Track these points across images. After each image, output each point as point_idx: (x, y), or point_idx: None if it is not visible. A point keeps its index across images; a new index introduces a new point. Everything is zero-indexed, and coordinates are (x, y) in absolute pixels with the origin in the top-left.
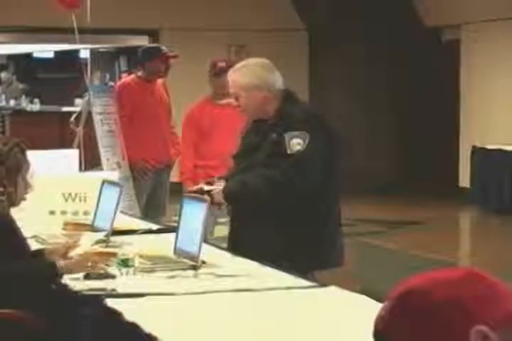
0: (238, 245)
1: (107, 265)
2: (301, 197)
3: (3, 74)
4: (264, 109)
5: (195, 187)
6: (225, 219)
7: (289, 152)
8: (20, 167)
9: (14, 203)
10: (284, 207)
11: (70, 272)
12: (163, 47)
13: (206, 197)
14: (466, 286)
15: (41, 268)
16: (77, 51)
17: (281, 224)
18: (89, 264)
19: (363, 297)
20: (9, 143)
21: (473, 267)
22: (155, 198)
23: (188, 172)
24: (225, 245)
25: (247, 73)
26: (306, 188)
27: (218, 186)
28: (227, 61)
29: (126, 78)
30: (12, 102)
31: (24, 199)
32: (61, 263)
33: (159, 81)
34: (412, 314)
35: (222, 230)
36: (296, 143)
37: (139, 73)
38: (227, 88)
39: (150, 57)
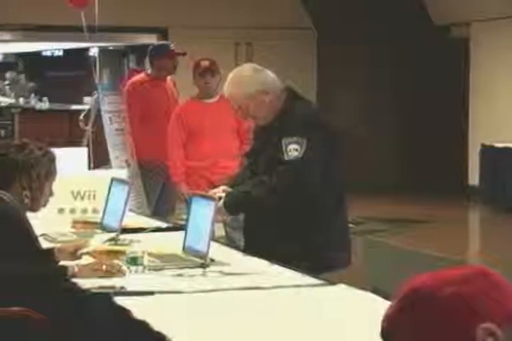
0: (251, 247)
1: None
2: (302, 201)
3: (9, 74)
4: (274, 110)
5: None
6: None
7: (286, 158)
8: (49, 174)
9: (36, 209)
10: (287, 210)
11: (84, 277)
12: (171, 45)
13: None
14: (472, 284)
15: (52, 270)
16: (86, 49)
17: (287, 227)
18: (104, 268)
19: (371, 295)
20: (43, 149)
21: (481, 265)
22: (166, 197)
23: (181, 174)
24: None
25: (247, 82)
26: (306, 193)
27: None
28: (211, 60)
29: (136, 77)
30: (21, 100)
31: (44, 206)
32: (75, 268)
33: (169, 78)
34: (418, 312)
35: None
36: (293, 149)
37: (149, 71)
38: (213, 87)
39: (158, 54)
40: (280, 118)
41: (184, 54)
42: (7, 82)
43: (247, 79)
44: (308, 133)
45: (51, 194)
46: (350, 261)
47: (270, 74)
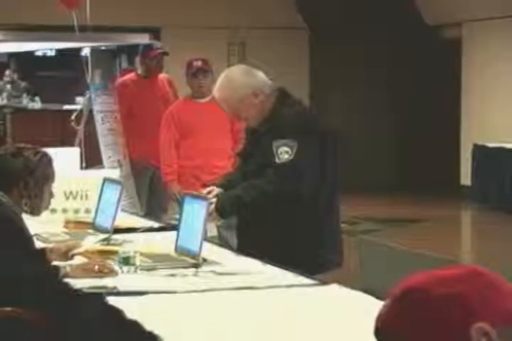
0: (244, 248)
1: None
2: (294, 202)
3: (8, 72)
4: (265, 111)
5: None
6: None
7: (277, 161)
8: (48, 178)
9: (38, 213)
10: (279, 211)
11: (76, 277)
12: (156, 44)
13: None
14: (466, 283)
15: (43, 270)
16: (78, 49)
17: (279, 228)
18: (96, 268)
19: (364, 295)
20: (38, 154)
21: (475, 265)
22: (156, 196)
23: (173, 173)
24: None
25: (237, 85)
26: (297, 195)
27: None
28: (203, 60)
29: (125, 76)
30: (13, 100)
31: (46, 209)
32: (67, 268)
33: (162, 78)
34: (411, 312)
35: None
36: (284, 152)
37: (139, 71)
38: (206, 87)
39: (143, 54)
40: (270, 120)
41: (166, 53)
42: (8, 79)
43: (237, 82)
44: (299, 135)
45: (51, 196)
46: (342, 262)
47: (260, 76)
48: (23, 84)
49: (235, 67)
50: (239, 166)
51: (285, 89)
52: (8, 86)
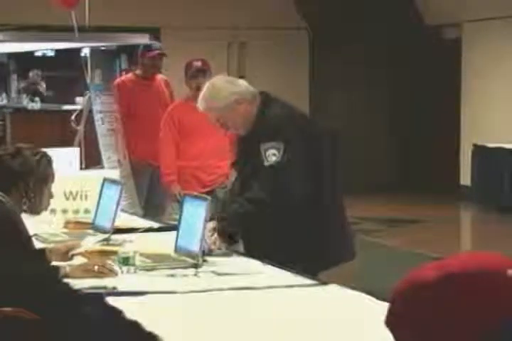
0: (247, 250)
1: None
2: (290, 202)
3: (31, 73)
4: (251, 118)
5: None
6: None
7: (266, 164)
8: (47, 178)
9: (37, 213)
10: (278, 213)
11: (76, 277)
12: (154, 45)
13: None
14: (445, 289)
15: (43, 270)
16: (77, 49)
17: (279, 230)
18: (96, 268)
19: (364, 295)
20: (38, 154)
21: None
22: (154, 197)
23: (173, 174)
24: None
25: (219, 95)
26: (290, 195)
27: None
28: (203, 60)
29: (124, 76)
30: (12, 101)
31: (46, 209)
32: (67, 268)
33: (159, 78)
34: (396, 313)
35: None
36: (271, 154)
37: (137, 71)
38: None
39: (140, 54)
40: (257, 124)
41: (164, 54)
42: (32, 81)
43: (220, 91)
44: (285, 136)
45: (51, 196)
46: (353, 256)
47: (242, 83)
48: (22, 84)
49: (216, 77)
50: (236, 177)
51: (268, 93)
52: (41, 88)
